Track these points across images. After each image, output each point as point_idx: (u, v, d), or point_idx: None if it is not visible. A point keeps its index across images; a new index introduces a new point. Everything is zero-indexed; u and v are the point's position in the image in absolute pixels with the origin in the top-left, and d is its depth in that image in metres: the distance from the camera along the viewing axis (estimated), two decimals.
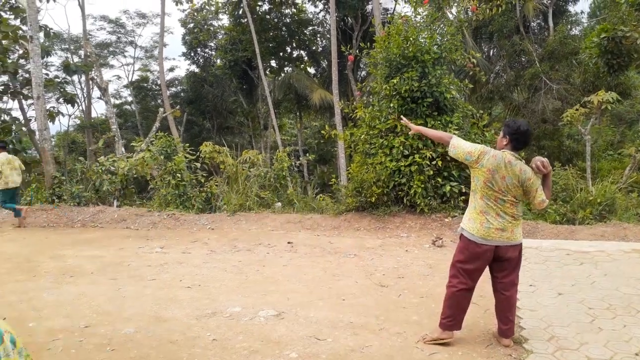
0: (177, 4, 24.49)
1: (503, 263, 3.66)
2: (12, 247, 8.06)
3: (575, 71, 17.21)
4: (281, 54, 24.47)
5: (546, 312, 4.39)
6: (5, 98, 18.64)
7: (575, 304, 4.57)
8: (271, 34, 22.93)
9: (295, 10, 23.09)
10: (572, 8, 21.65)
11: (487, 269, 3.75)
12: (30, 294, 5.40)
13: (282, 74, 24.78)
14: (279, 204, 10.67)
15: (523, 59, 19.09)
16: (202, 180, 11.17)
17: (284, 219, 9.50)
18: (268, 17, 22.80)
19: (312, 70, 26.15)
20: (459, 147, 3.71)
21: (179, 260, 6.83)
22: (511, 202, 3.53)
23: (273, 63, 25.56)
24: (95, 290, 5.48)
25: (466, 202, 8.37)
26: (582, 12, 26.93)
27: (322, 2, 22.40)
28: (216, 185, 11.15)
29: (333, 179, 10.65)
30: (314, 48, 24.59)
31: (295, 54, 25.07)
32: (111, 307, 4.92)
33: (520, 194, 3.54)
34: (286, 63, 25.34)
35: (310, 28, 24.04)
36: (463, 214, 7.93)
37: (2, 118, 15.25)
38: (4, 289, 5.68)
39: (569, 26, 20.03)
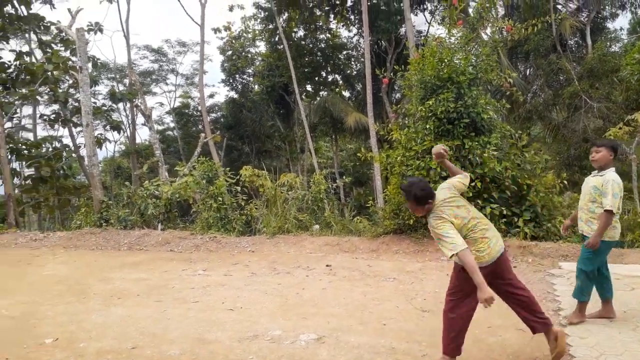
0: (215, 32, 25.41)
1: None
2: (63, 270, 8.40)
3: (616, 89, 16.75)
4: (316, 78, 24.83)
5: (597, 339, 4.24)
6: (56, 126, 19.68)
7: (628, 332, 4.40)
8: (306, 59, 23.36)
9: (329, 36, 23.48)
10: (610, 25, 21.18)
11: None
12: (80, 315, 5.60)
13: (318, 98, 25.11)
14: (317, 226, 10.73)
15: (561, 78, 18.73)
16: (242, 204, 11.40)
17: (322, 241, 9.53)
18: (303, 42, 23.27)
19: (347, 94, 26.39)
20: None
21: (221, 283, 6.95)
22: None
23: (309, 87, 25.95)
24: (141, 312, 5.63)
25: (507, 224, 8.26)
26: (621, 28, 26.28)
27: (356, 26, 22.71)
28: (256, 208, 11.36)
29: (370, 201, 10.65)
30: (348, 72, 24.86)
31: (330, 78, 25.42)
32: (157, 329, 5.04)
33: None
34: (321, 87, 25.69)
35: (345, 52, 24.37)
36: (504, 236, 7.77)
37: (54, 145, 16.09)
38: (56, 310, 5.92)
39: (608, 43, 19.58)
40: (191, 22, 28.95)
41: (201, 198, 11.40)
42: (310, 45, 23.45)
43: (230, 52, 26.42)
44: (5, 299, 6.46)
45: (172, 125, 34.12)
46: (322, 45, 23.48)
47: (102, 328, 5.14)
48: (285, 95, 24.70)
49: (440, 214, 3.58)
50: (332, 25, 23.47)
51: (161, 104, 36.65)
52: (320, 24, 22.78)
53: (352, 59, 24.78)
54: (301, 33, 23.45)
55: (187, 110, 33.61)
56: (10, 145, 14.67)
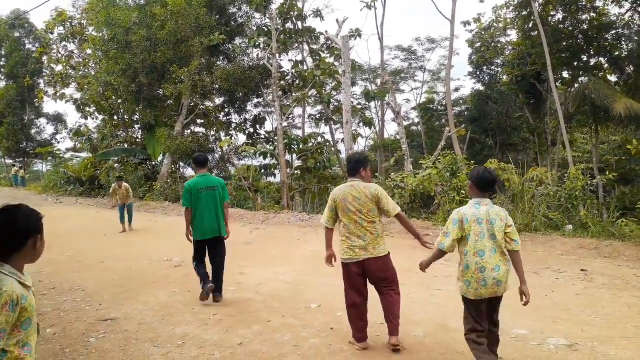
0: (465, 26, 25.14)
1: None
2: (323, 248, 9.66)
3: None
4: (576, 63, 22.27)
5: None
6: (320, 124, 22.67)
7: None
8: (564, 43, 21.18)
9: (594, 15, 20.73)
10: None
11: None
12: (338, 288, 6.15)
13: (576, 85, 22.50)
14: (570, 226, 9.83)
15: None
16: None
17: (575, 243, 8.73)
18: (562, 26, 21.14)
19: (612, 79, 22.90)
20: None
21: None
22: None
23: (565, 74, 23.48)
24: None
25: None
26: None
27: (629, 1, 19.47)
28: (500, 203, 10.99)
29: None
30: (616, 54, 21.53)
31: (592, 62, 22.43)
32: (403, 309, 5.43)
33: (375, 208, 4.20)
34: (581, 73, 22.91)
35: (613, 32, 21.16)
36: None
37: (317, 140, 18.57)
38: (319, 281, 6.89)
39: None
40: (438, 17, 29.24)
41: (444, 191, 11.59)
42: (570, 28, 21.13)
43: (479, 44, 25.86)
44: (282, 267, 7.87)
45: (416, 120, 35.19)
46: (585, 27, 20.89)
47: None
48: (536, 84, 23.00)
49: None
50: (599, 3, 20.63)
51: (407, 101, 38.17)
52: (584, 3, 20.28)
53: (623, 39, 21.34)
54: (559, 16, 21.35)
55: (431, 106, 34.26)
56: (286, 141, 17.49)
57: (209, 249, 6.03)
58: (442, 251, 3.69)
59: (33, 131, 36.90)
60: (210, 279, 5.94)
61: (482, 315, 3.70)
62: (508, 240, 3.65)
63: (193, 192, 5.87)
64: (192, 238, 6.01)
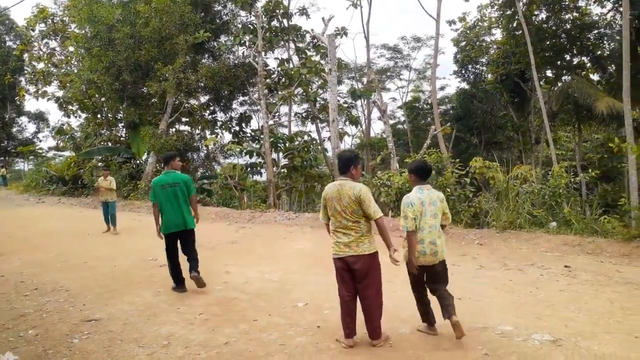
0: (450, 25, 25.27)
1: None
2: (310, 245, 9.69)
3: None
4: (559, 62, 22.56)
5: None
6: (306, 122, 22.59)
7: None
8: (548, 42, 21.44)
9: (577, 15, 21.00)
10: None
11: None
12: (325, 286, 6.34)
13: (559, 84, 22.80)
14: (554, 223, 9.93)
15: None
16: (471, 195, 11.23)
17: (559, 240, 8.84)
18: (545, 25, 21.40)
19: (594, 77, 23.28)
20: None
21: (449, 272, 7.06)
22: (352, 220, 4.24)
23: (549, 73, 23.77)
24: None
25: None
26: None
27: (611, 0, 19.77)
28: (485, 200, 11.07)
29: (623, 199, 9.36)
30: (598, 53, 21.87)
31: (575, 61, 22.75)
32: (389, 306, 5.44)
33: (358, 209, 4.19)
34: (564, 72, 23.22)
35: (595, 32, 21.49)
36: None
37: (303, 139, 18.51)
38: (305, 279, 6.94)
39: None
40: (425, 17, 29.43)
41: None
42: (554, 28, 21.40)
43: (464, 43, 26.03)
44: (268, 266, 7.84)
45: (402, 119, 35.28)
46: (568, 26, 21.18)
47: None
48: (520, 82, 23.25)
49: None
50: (582, 3, 20.93)
51: (394, 99, 38.26)
52: (567, 2, 20.54)
53: (605, 38, 21.69)
54: (543, 15, 21.62)
55: (417, 104, 34.39)
56: (272, 139, 17.42)
57: (180, 243, 6.44)
58: (409, 233, 4.30)
59: (14, 129, 36.30)
60: (189, 267, 6.37)
61: (420, 281, 4.59)
62: (444, 218, 4.46)
63: (156, 188, 6.30)
64: (162, 234, 6.43)
